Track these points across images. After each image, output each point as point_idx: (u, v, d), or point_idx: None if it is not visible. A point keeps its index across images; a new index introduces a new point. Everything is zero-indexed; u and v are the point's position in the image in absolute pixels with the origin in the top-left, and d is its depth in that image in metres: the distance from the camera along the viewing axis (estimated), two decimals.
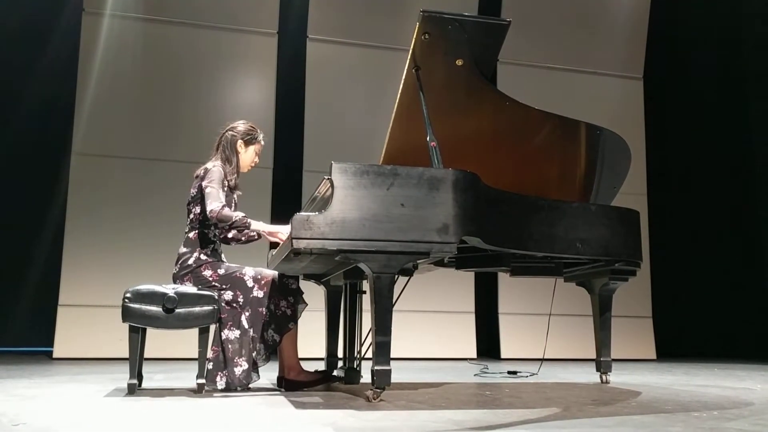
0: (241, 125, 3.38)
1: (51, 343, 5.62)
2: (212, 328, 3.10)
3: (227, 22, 6.33)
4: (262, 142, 3.43)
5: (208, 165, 3.25)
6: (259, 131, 3.41)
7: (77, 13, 6.08)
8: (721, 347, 7.10)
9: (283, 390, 3.19)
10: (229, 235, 3.36)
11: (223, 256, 3.31)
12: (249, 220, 3.12)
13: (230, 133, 3.35)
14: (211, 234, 3.24)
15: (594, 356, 3.79)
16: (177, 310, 2.97)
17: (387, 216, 2.66)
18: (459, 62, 3.28)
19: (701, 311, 7.47)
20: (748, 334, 7.08)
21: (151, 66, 6.14)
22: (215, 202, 3.10)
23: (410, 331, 5.94)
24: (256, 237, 3.31)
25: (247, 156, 3.37)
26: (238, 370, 3.05)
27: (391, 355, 2.68)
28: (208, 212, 3.09)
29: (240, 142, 3.34)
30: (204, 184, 3.16)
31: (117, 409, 2.53)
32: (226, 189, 3.22)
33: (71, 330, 5.61)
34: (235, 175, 3.31)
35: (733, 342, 7.15)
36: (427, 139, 3.02)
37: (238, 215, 3.10)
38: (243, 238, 3.37)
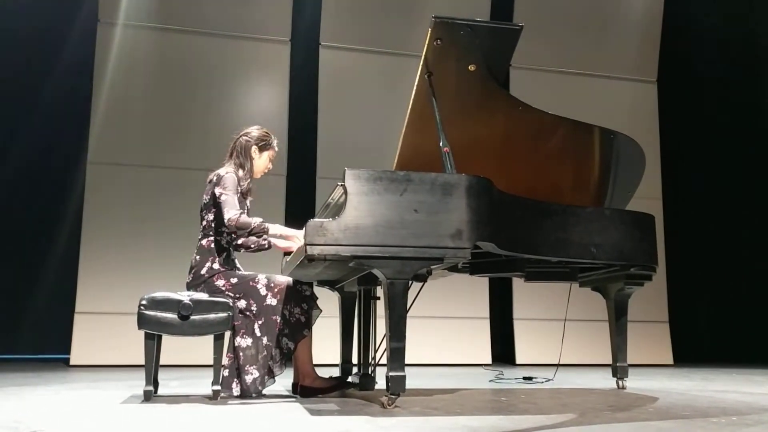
0: (255, 131, 3.38)
1: (68, 351, 5.66)
2: (227, 334, 3.11)
3: (240, 30, 6.37)
4: (276, 149, 3.43)
5: (221, 171, 3.25)
6: (273, 137, 3.42)
7: (92, 23, 6.14)
8: (740, 352, 7.02)
9: (298, 396, 3.19)
10: (239, 242, 3.31)
11: (237, 262, 3.32)
12: (267, 225, 3.13)
13: (244, 138, 3.35)
14: (224, 241, 3.24)
15: (610, 362, 3.76)
16: (192, 317, 2.98)
17: (400, 222, 2.66)
18: (471, 68, 3.27)
19: (718, 316, 7.40)
20: (766, 339, 7.01)
21: (164, 75, 6.19)
22: (232, 210, 3.11)
23: (424, 337, 5.92)
24: (267, 247, 3.27)
25: (261, 162, 3.37)
26: (249, 379, 3.05)
27: (406, 361, 2.68)
28: (225, 221, 3.10)
29: (254, 148, 3.34)
30: (218, 191, 3.17)
31: (133, 415, 2.55)
32: (238, 195, 3.22)
33: (88, 337, 5.65)
34: (248, 180, 3.32)
35: (752, 347, 7.07)
36: (440, 144, 3.01)
37: (255, 221, 3.10)
38: (253, 246, 3.29)
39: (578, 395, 3.45)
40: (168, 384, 3.80)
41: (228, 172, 3.23)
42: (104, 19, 6.08)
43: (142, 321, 2.96)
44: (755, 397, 3.35)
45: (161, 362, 3.17)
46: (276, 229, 3.18)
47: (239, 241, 3.31)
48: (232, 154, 3.34)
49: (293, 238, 3.19)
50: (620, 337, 3.70)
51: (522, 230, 2.99)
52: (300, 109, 6.57)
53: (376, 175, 2.68)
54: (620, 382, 3.73)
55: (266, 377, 3.10)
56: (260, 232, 3.12)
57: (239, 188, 3.24)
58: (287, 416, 2.54)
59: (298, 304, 3.18)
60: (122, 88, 6.03)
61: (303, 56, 6.69)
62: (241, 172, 3.28)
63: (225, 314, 3.02)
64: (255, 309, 3.12)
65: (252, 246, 3.31)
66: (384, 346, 2.77)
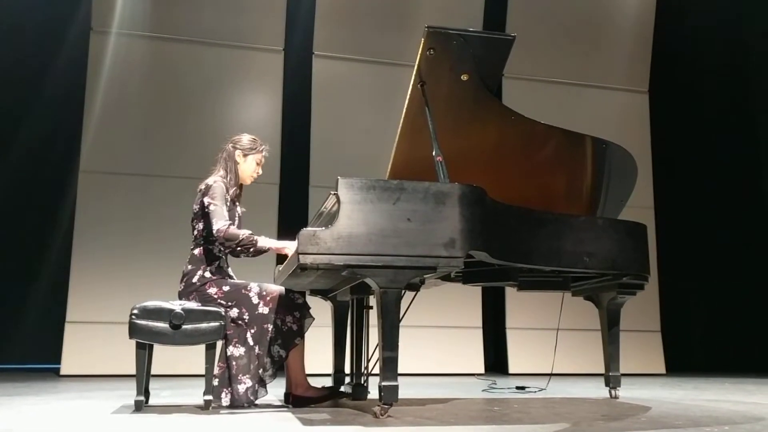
0: (244, 138, 3.39)
1: (58, 360, 5.62)
2: (219, 344, 3.09)
3: (233, 39, 6.38)
4: (264, 153, 3.42)
5: (209, 180, 3.24)
6: (260, 142, 3.41)
7: (85, 31, 6.14)
8: (732, 361, 7.04)
9: (290, 406, 3.18)
10: (237, 248, 3.32)
11: (230, 270, 3.30)
12: (255, 237, 3.12)
13: (230, 145, 3.36)
14: (216, 250, 3.23)
15: (603, 371, 3.77)
16: (184, 327, 2.97)
17: (394, 231, 2.66)
18: (464, 77, 3.28)
19: (711, 325, 7.42)
20: (758, 348, 7.03)
21: (157, 83, 6.18)
22: (221, 221, 3.10)
23: (417, 347, 5.92)
24: (266, 249, 3.26)
25: (248, 166, 3.36)
26: (241, 388, 3.04)
27: (399, 371, 2.67)
28: (214, 231, 3.10)
29: (239, 152, 3.33)
30: (206, 201, 3.16)
31: (124, 425, 2.53)
32: (228, 203, 3.22)
33: (79, 347, 5.62)
34: (236, 187, 3.31)
35: (744, 356, 7.09)
36: (433, 153, 3.02)
37: (244, 233, 3.09)
38: (252, 250, 3.26)
39: (571, 404, 3.44)
40: (159, 394, 3.78)
41: (216, 180, 3.23)
42: (97, 27, 6.07)
43: (134, 330, 2.95)
44: (747, 407, 3.36)
45: (152, 372, 3.15)
46: (264, 241, 3.16)
47: (237, 248, 3.28)
48: (219, 162, 3.35)
49: (283, 250, 3.17)
50: (613, 346, 3.70)
51: (515, 239, 3.00)
52: (293, 118, 6.58)
53: (369, 184, 2.68)
54: (613, 392, 3.73)
55: (258, 387, 3.08)
56: (248, 244, 3.11)
57: (227, 196, 3.23)
58: (279, 426, 2.52)
59: (291, 313, 3.17)
60: (115, 96, 6.02)
61: (296, 65, 6.71)
62: (228, 179, 3.27)
63: (217, 323, 3.01)
64: (247, 318, 3.10)
65: (251, 250, 3.24)
66: (377, 355, 2.76)
